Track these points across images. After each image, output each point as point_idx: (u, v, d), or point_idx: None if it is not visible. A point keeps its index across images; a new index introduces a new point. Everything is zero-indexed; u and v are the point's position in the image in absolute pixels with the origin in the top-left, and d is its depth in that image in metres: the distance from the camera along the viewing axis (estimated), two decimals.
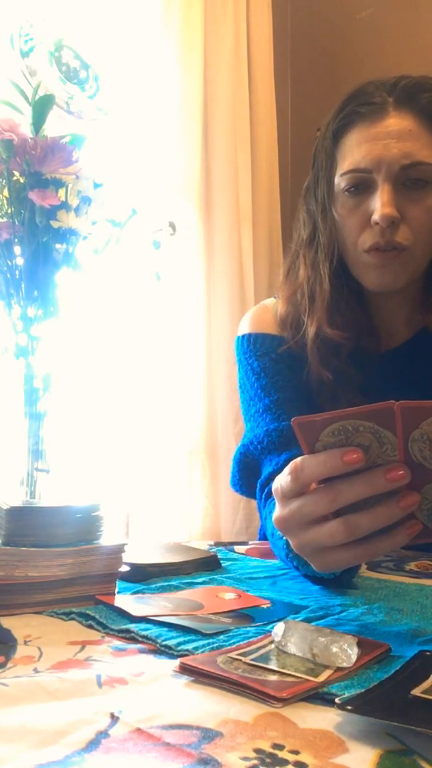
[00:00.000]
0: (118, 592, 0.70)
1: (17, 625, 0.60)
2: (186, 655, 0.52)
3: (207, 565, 0.85)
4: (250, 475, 0.99)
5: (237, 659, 0.50)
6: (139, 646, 0.56)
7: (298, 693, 0.45)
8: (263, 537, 1.09)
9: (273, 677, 0.47)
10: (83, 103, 1.74)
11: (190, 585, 0.75)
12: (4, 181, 0.75)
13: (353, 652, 0.50)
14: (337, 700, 0.43)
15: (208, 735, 0.40)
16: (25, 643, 0.56)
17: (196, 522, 2.00)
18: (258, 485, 0.96)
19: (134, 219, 0.81)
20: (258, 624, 0.62)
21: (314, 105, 1.95)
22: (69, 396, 0.83)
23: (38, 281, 0.75)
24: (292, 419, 0.54)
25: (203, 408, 2.03)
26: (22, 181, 0.75)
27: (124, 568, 0.72)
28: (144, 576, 0.77)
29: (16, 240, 0.75)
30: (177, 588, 0.74)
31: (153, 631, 0.58)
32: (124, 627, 0.59)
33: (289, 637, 0.52)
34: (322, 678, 0.47)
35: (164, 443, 1.94)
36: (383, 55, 2.14)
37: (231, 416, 2.01)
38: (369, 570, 0.85)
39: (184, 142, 2.00)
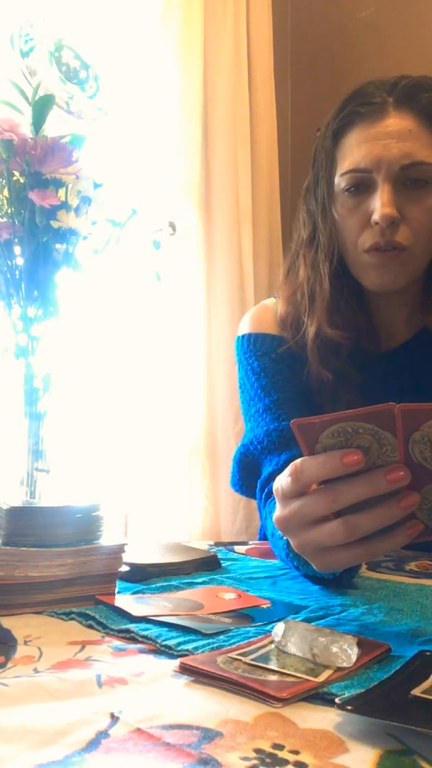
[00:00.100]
0: (118, 592, 0.70)
1: (17, 625, 0.60)
2: (186, 655, 0.52)
3: (207, 565, 0.85)
4: (250, 475, 0.99)
5: (237, 659, 0.50)
6: (139, 646, 0.56)
7: (298, 693, 0.45)
8: (263, 537, 1.09)
9: (273, 677, 0.47)
10: (83, 103, 1.74)
11: (190, 585, 0.75)
12: (4, 181, 0.75)
13: (353, 652, 0.50)
14: (337, 700, 0.43)
15: (208, 735, 0.40)
16: (25, 643, 0.56)
17: (196, 522, 2.00)
18: (258, 485, 0.96)
19: (134, 219, 0.81)
20: (258, 624, 0.62)
21: (314, 105, 1.96)
22: (69, 396, 0.83)
23: (38, 281, 0.75)
24: (291, 421, 0.54)
25: (203, 408, 2.03)
26: (22, 181, 0.75)
27: (124, 568, 0.72)
28: (144, 576, 0.77)
29: (16, 240, 0.75)
30: (177, 588, 0.74)
31: (153, 631, 0.58)
32: (124, 627, 0.59)
33: (289, 637, 0.52)
34: (322, 678, 0.47)
35: (164, 443, 1.94)
36: (383, 55, 2.14)
37: (231, 416, 2.01)
38: (369, 570, 0.85)
39: (184, 142, 2.00)
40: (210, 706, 0.44)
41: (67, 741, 0.39)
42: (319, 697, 0.46)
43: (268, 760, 0.38)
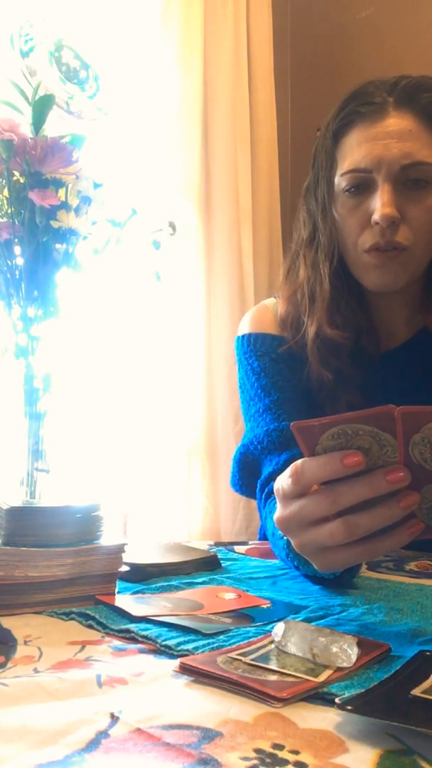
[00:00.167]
0: (118, 592, 0.70)
1: (17, 625, 0.60)
2: (186, 655, 0.52)
3: (207, 565, 0.85)
4: (250, 475, 0.99)
5: (237, 659, 0.50)
6: (139, 646, 0.56)
7: (298, 693, 0.45)
8: (263, 537, 1.09)
9: (273, 677, 0.47)
10: (83, 103, 1.74)
11: (190, 585, 0.75)
12: (4, 181, 0.75)
13: (353, 652, 0.50)
14: (337, 700, 0.43)
15: (208, 735, 0.40)
16: (25, 643, 0.56)
17: (196, 522, 2.00)
18: (258, 485, 0.96)
19: (134, 219, 0.81)
20: (258, 624, 0.62)
21: (314, 105, 1.95)
22: (69, 396, 0.83)
23: (38, 281, 0.75)
24: (291, 424, 0.54)
25: (203, 408, 2.03)
26: (22, 181, 0.75)
27: (124, 568, 0.72)
28: (144, 576, 0.77)
29: (16, 240, 0.75)
30: (177, 588, 0.74)
31: (153, 631, 0.58)
32: (124, 627, 0.59)
33: (289, 637, 0.52)
34: (322, 678, 0.47)
35: (164, 443, 1.94)
36: (383, 55, 2.14)
37: (231, 416, 2.01)
38: (369, 570, 0.85)
39: (184, 142, 2.00)
40: (210, 706, 0.44)
41: (67, 741, 0.39)
42: (319, 697, 0.46)
43: (268, 760, 0.38)
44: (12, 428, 0.76)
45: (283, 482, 0.58)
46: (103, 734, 0.40)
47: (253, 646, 0.53)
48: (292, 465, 0.57)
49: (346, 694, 0.44)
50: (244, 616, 0.64)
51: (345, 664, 0.49)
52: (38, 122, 0.77)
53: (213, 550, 0.95)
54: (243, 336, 1.08)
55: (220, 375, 2.05)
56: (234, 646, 0.54)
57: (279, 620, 0.55)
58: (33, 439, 0.76)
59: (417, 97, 0.91)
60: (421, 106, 0.91)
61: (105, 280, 0.81)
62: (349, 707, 0.42)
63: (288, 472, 0.57)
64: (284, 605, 0.69)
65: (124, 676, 0.49)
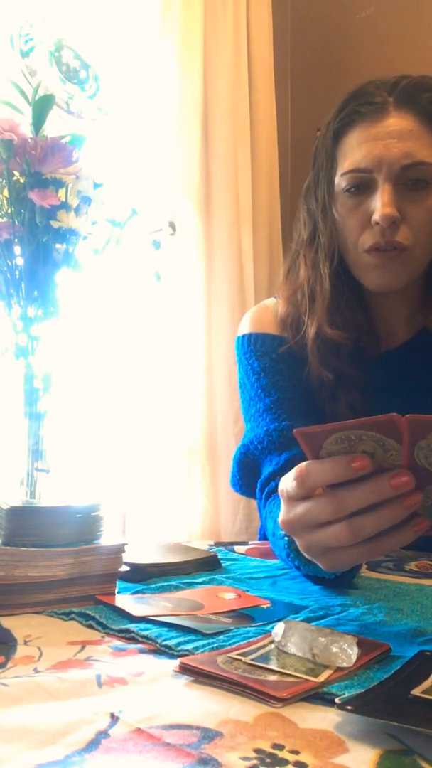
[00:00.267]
0: (118, 592, 0.70)
1: (17, 625, 0.60)
2: (186, 655, 0.52)
3: (207, 565, 0.85)
4: (250, 475, 0.99)
5: (237, 659, 0.50)
6: (139, 646, 0.56)
7: (298, 693, 0.45)
8: (263, 537, 1.09)
9: (273, 677, 0.47)
10: (83, 103, 1.74)
11: (190, 585, 0.75)
12: (4, 181, 0.75)
13: (353, 652, 0.50)
14: (337, 700, 0.43)
15: (208, 735, 0.40)
16: (25, 643, 0.56)
17: (196, 522, 2.00)
18: (258, 485, 0.96)
19: (134, 219, 0.81)
20: (258, 624, 0.62)
21: (314, 105, 1.95)
22: (69, 396, 0.83)
23: (38, 281, 0.75)
24: (294, 430, 0.54)
25: (203, 408, 2.03)
26: (22, 181, 0.75)
27: (124, 568, 0.72)
28: (144, 576, 0.77)
29: (16, 240, 0.75)
30: (177, 588, 0.74)
31: (153, 631, 0.58)
32: (124, 627, 0.59)
33: (289, 637, 0.52)
34: (322, 678, 0.47)
35: (163, 443, 1.94)
36: (383, 55, 2.13)
37: (231, 416, 2.01)
38: (369, 570, 0.85)
39: (184, 142, 2.00)
40: (210, 706, 0.44)
41: (67, 741, 0.39)
42: (319, 697, 0.46)
43: (268, 760, 0.38)
44: (12, 428, 0.76)
45: (287, 484, 0.58)
46: (103, 734, 0.40)
47: (253, 646, 0.53)
48: (297, 467, 0.57)
49: (346, 694, 0.44)
50: (244, 616, 0.64)
51: (345, 664, 0.49)
52: (38, 122, 0.77)
53: (213, 550, 0.95)
54: (243, 336, 1.08)
55: (220, 375, 2.05)
56: (234, 646, 0.54)
57: (279, 620, 0.55)
58: (33, 439, 0.76)
59: (417, 97, 0.91)
60: (422, 106, 0.91)
61: (105, 280, 0.81)
62: (349, 707, 0.42)
63: (293, 474, 0.57)
64: (284, 605, 0.69)
65: (124, 676, 0.49)
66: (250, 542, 1.09)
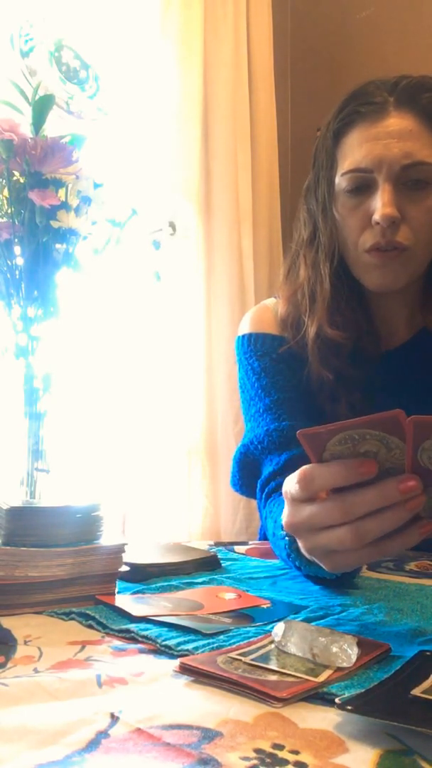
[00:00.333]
0: (118, 592, 0.70)
1: (17, 625, 0.60)
2: (186, 655, 0.52)
3: (207, 565, 0.85)
4: (250, 475, 0.99)
5: (237, 659, 0.50)
6: (139, 646, 0.56)
7: (298, 693, 0.45)
8: (263, 537, 1.09)
9: (273, 677, 0.47)
10: (83, 103, 1.74)
11: (190, 585, 0.75)
12: (4, 181, 0.75)
13: (353, 652, 0.50)
14: (337, 700, 0.43)
15: (208, 735, 0.40)
16: (25, 643, 0.56)
17: (196, 522, 1.99)
18: (258, 485, 0.96)
19: (134, 219, 0.81)
20: (258, 624, 0.62)
21: (314, 105, 1.96)
22: (69, 396, 0.83)
23: (38, 281, 0.75)
24: (298, 432, 0.54)
25: (203, 408, 2.03)
26: (22, 181, 0.75)
27: (124, 568, 0.72)
28: (144, 576, 0.77)
29: (16, 240, 0.75)
30: (177, 588, 0.74)
31: (153, 631, 0.58)
32: (124, 627, 0.59)
33: (289, 637, 0.52)
34: (322, 678, 0.47)
35: (163, 443, 1.94)
36: (383, 55, 2.13)
37: (231, 416, 2.01)
38: (369, 570, 0.85)
39: (184, 142, 2.00)
40: (210, 706, 0.44)
41: (67, 741, 0.39)
42: (319, 697, 0.46)
43: (268, 760, 0.38)
44: (12, 428, 0.76)
45: (291, 487, 0.58)
46: (103, 734, 0.40)
47: (253, 646, 0.53)
48: (301, 470, 0.56)
49: (346, 694, 0.44)
50: (244, 616, 0.64)
51: (345, 664, 0.49)
52: (38, 122, 0.77)
53: (213, 550, 0.95)
54: (243, 336, 1.08)
55: (220, 375, 2.05)
56: (234, 646, 0.54)
57: (279, 620, 0.55)
58: (33, 439, 0.76)
59: (418, 97, 0.91)
60: (422, 106, 0.91)
61: (105, 280, 0.81)
62: (349, 707, 0.42)
63: (296, 477, 0.57)
64: (284, 605, 0.69)
65: (124, 676, 0.49)
66: (250, 542, 1.09)
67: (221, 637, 0.57)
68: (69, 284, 0.77)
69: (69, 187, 0.75)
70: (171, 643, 0.55)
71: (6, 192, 0.75)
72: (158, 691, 0.47)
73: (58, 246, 0.75)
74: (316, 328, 0.97)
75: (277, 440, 0.94)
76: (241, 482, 1.02)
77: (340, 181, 0.94)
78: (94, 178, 0.77)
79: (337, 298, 0.97)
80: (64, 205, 0.74)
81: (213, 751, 0.38)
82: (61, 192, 0.75)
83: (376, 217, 0.89)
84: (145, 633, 0.58)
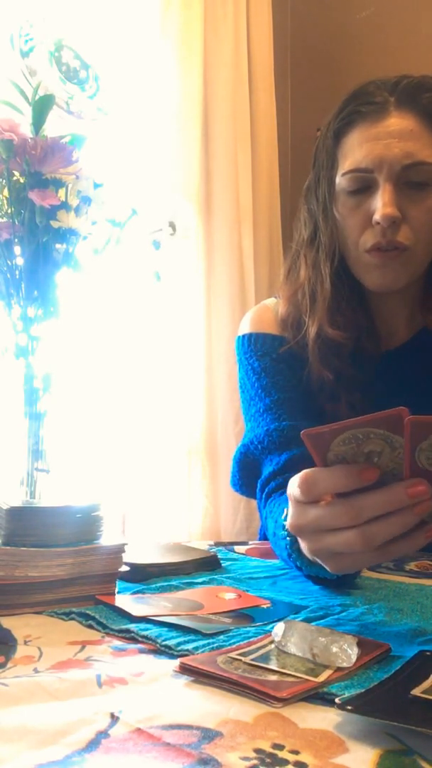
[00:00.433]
0: (118, 592, 0.70)
1: (17, 625, 0.60)
2: (186, 655, 0.52)
3: (207, 565, 0.85)
4: (250, 475, 0.99)
5: (237, 659, 0.50)
6: (139, 646, 0.56)
7: (298, 693, 0.45)
8: (263, 537, 1.09)
9: (273, 677, 0.47)
10: (83, 103, 1.74)
11: (190, 585, 0.75)
12: (4, 181, 0.75)
13: (353, 652, 0.50)
14: (337, 700, 0.43)
15: (208, 735, 0.40)
16: (25, 643, 0.56)
17: (196, 522, 1.99)
18: (258, 485, 0.96)
19: (134, 219, 0.81)
20: (258, 624, 0.62)
21: (314, 105, 1.95)
22: (69, 396, 0.83)
23: (38, 281, 0.75)
24: (302, 432, 0.54)
25: (203, 408, 2.03)
26: (22, 181, 0.75)
27: (124, 568, 0.72)
28: (144, 576, 0.77)
29: (16, 240, 0.75)
30: (177, 588, 0.74)
31: (153, 631, 0.58)
32: (124, 627, 0.59)
33: (289, 637, 0.52)
34: (322, 678, 0.47)
35: (163, 443, 1.94)
36: (383, 55, 2.13)
37: (231, 416, 2.01)
38: (369, 570, 0.85)
39: (184, 142, 2.00)
40: (210, 706, 0.44)
41: (67, 741, 0.39)
42: (319, 697, 0.46)
43: (268, 760, 0.38)
44: (12, 428, 0.76)
45: (294, 491, 0.58)
46: (103, 734, 0.40)
47: (253, 646, 0.53)
48: (303, 474, 0.56)
49: (346, 694, 0.44)
50: (244, 616, 0.64)
51: (345, 664, 0.49)
52: (38, 122, 0.77)
53: (213, 550, 0.95)
54: (243, 336, 1.08)
55: (220, 375, 2.05)
56: (234, 646, 0.54)
57: (279, 620, 0.55)
58: (33, 439, 0.76)
59: (418, 97, 0.91)
60: (423, 106, 0.91)
61: (105, 280, 0.81)
62: (349, 707, 0.42)
63: (298, 480, 0.56)
64: (284, 605, 0.69)
65: (124, 676, 0.49)
66: (250, 542, 1.09)
67: (221, 637, 0.57)
68: (69, 284, 0.77)
69: (69, 187, 0.75)
70: (171, 643, 0.55)
71: (6, 192, 0.75)
72: (158, 691, 0.47)
73: (58, 246, 0.75)
74: (316, 328, 0.97)
75: (277, 440, 0.94)
76: (241, 482, 1.02)
77: (341, 181, 0.94)
78: (94, 178, 0.76)
79: (338, 298, 0.97)
80: (64, 205, 0.74)
81: (213, 751, 0.38)
82: (61, 192, 0.75)
83: (377, 217, 0.89)
84: (145, 633, 0.58)
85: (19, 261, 0.76)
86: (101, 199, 0.77)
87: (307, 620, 0.61)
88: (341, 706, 0.42)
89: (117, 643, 0.57)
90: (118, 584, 0.71)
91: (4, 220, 0.76)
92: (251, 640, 0.55)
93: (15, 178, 0.75)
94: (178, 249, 1.95)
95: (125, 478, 1.88)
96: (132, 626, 0.59)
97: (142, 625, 0.60)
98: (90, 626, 0.61)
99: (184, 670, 0.49)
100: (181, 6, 2.00)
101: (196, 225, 2.04)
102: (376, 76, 0.96)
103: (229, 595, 0.71)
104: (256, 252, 2.13)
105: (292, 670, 0.48)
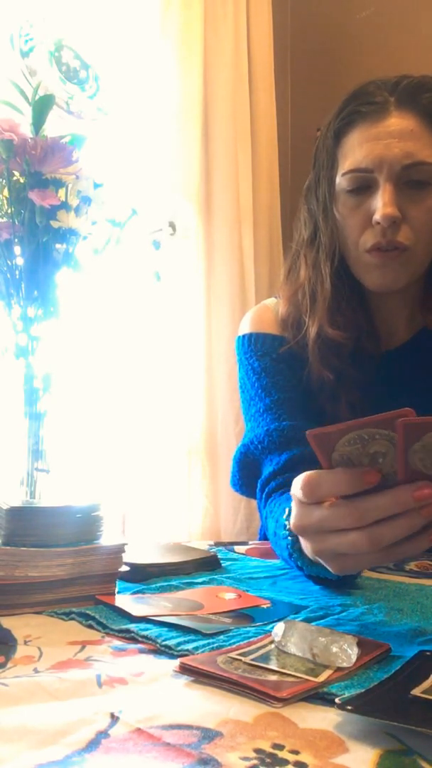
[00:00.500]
0: (118, 592, 0.70)
1: (17, 625, 0.60)
2: (186, 655, 0.52)
3: (207, 565, 0.85)
4: (250, 475, 0.99)
5: (237, 659, 0.50)
6: (139, 646, 0.56)
7: (298, 693, 0.45)
8: (263, 537, 1.09)
9: (273, 677, 0.47)
10: (83, 103, 1.74)
11: (190, 585, 0.75)
12: (4, 181, 0.75)
13: (353, 652, 0.50)
14: (337, 700, 0.43)
15: (208, 735, 0.40)
16: (25, 643, 0.56)
17: (196, 522, 1.99)
18: (258, 485, 0.96)
19: (134, 219, 0.81)
20: (258, 624, 0.62)
21: (314, 105, 1.95)
22: (69, 396, 0.83)
23: (38, 281, 0.75)
24: (307, 432, 0.54)
25: (203, 408, 2.03)
26: (22, 181, 0.75)
27: (124, 568, 0.72)
28: (144, 576, 0.77)
29: (16, 240, 0.75)
30: (177, 588, 0.74)
31: (153, 631, 0.58)
32: (124, 627, 0.59)
33: (289, 637, 0.52)
34: (322, 678, 0.47)
35: (163, 443, 1.94)
36: (383, 55, 2.13)
37: (231, 416, 2.01)
38: (369, 570, 0.85)
39: (184, 142, 2.00)
40: (210, 706, 0.44)
41: (67, 741, 0.39)
42: (319, 697, 0.46)
43: (268, 760, 0.38)
44: (12, 428, 0.76)
45: (297, 491, 0.58)
46: (103, 734, 0.40)
47: (253, 646, 0.53)
48: (306, 476, 0.56)
49: (346, 694, 0.44)
50: (244, 616, 0.64)
51: (345, 664, 0.49)
52: (38, 122, 0.77)
53: (213, 550, 0.95)
54: (244, 336, 1.08)
55: (220, 375, 2.05)
56: (234, 646, 0.54)
57: (279, 620, 0.55)
58: (33, 439, 0.76)
59: (418, 97, 0.91)
60: (423, 106, 0.91)
61: (105, 280, 0.81)
62: (349, 707, 0.42)
63: (300, 482, 0.56)
64: (284, 605, 0.69)
65: (124, 676, 0.49)
66: (250, 542, 1.09)
67: (221, 637, 0.57)
68: (69, 284, 0.77)
69: (69, 187, 0.75)
70: (171, 643, 0.55)
71: (6, 192, 0.75)
72: (158, 691, 0.47)
73: (58, 246, 0.75)
74: (316, 328, 0.97)
75: (277, 440, 0.94)
76: (241, 482, 1.02)
77: (341, 181, 0.94)
78: (94, 178, 0.76)
79: (338, 298, 0.97)
80: (64, 205, 0.74)
81: (213, 751, 0.38)
82: (61, 192, 0.75)
83: (377, 216, 0.89)
84: (145, 633, 0.58)
85: (19, 261, 0.76)
86: (101, 199, 0.77)
87: (307, 620, 0.61)
88: (341, 706, 0.42)
89: (117, 643, 0.57)
90: (118, 584, 0.71)
91: (4, 220, 0.76)
92: (251, 640, 0.55)
93: (15, 178, 0.75)
94: (178, 249, 1.95)
95: (125, 478, 1.88)
96: (132, 626, 0.59)
97: (142, 625, 0.60)
98: (90, 626, 0.61)
99: (184, 670, 0.49)
100: (181, 6, 2.00)
101: (196, 225, 2.04)
102: (376, 76, 0.96)
103: (229, 595, 0.71)
104: (256, 252, 2.13)
105: (292, 670, 0.48)
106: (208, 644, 0.55)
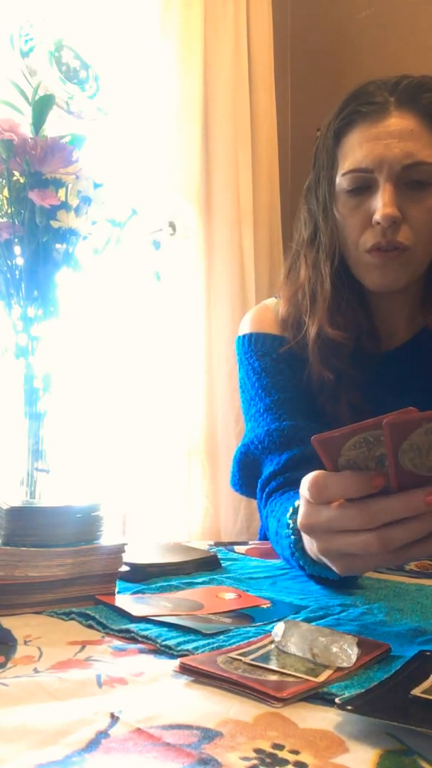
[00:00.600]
0: (118, 592, 0.70)
1: (17, 625, 0.60)
2: (186, 655, 0.52)
3: (207, 565, 0.85)
4: (250, 475, 0.99)
5: (237, 659, 0.50)
6: (139, 646, 0.56)
7: (298, 693, 0.45)
8: (263, 537, 1.09)
9: (273, 677, 0.47)
10: (83, 103, 1.74)
11: (190, 585, 0.75)
12: (4, 181, 0.75)
13: (353, 652, 0.50)
14: (337, 700, 0.43)
15: (208, 735, 0.40)
16: (25, 643, 0.56)
17: (196, 522, 2.00)
18: (258, 485, 0.96)
19: (134, 219, 0.81)
20: (258, 624, 0.62)
21: (314, 105, 1.96)
22: (69, 396, 0.83)
23: (38, 281, 0.76)
24: (312, 438, 0.53)
25: (203, 408, 2.03)
26: (22, 181, 0.75)
27: (124, 568, 0.72)
28: (144, 576, 0.77)
29: (16, 240, 0.75)
30: (177, 588, 0.74)
31: (153, 631, 0.58)
32: (124, 627, 0.59)
33: (289, 637, 0.52)
34: (322, 678, 0.47)
35: (163, 443, 1.94)
36: (383, 55, 2.14)
37: (231, 416, 2.01)
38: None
39: (184, 142, 2.00)
40: (210, 706, 0.44)
41: (67, 741, 0.39)
42: (319, 697, 0.46)
43: (268, 760, 0.38)
44: (12, 428, 0.76)
45: (304, 491, 0.57)
46: (103, 734, 0.40)
47: (253, 646, 0.53)
48: (313, 477, 0.55)
49: (346, 694, 0.44)
50: (244, 616, 0.64)
51: (345, 664, 0.49)
52: (38, 122, 0.77)
53: (213, 550, 0.95)
54: (244, 336, 1.08)
55: (220, 375, 2.05)
56: (234, 646, 0.54)
57: (279, 620, 0.55)
58: (33, 439, 0.76)
59: (418, 97, 0.91)
60: (423, 106, 0.91)
61: (105, 280, 0.81)
62: (349, 707, 0.42)
63: (308, 482, 0.56)
64: (284, 605, 0.69)
65: (124, 676, 0.49)
66: (250, 542, 1.09)
67: (221, 637, 0.57)
68: (69, 284, 0.77)
69: (69, 187, 0.75)
70: (171, 643, 0.55)
71: (6, 192, 0.75)
72: (158, 691, 0.47)
73: (58, 246, 0.75)
74: (316, 328, 0.97)
75: (277, 440, 0.94)
76: (242, 482, 1.02)
77: (341, 181, 0.94)
78: (94, 178, 0.77)
79: (338, 298, 0.97)
80: (64, 205, 0.74)
81: (213, 751, 0.38)
82: (61, 192, 0.75)
83: (377, 217, 0.89)
84: (145, 633, 0.57)
85: (19, 261, 0.76)
86: (101, 199, 0.77)
87: (307, 620, 0.61)
88: (341, 706, 0.42)
89: (117, 643, 0.57)
90: (118, 584, 0.71)
91: (4, 220, 0.76)
92: (251, 640, 0.55)
93: (15, 178, 0.75)
94: (178, 249, 1.95)
95: (125, 478, 1.88)
96: (132, 626, 0.59)
97: (142, 625, 0.60)
98: (90, 626, 0.61)
99: (184, 670, 0.49)
100: (181, 6, 2.00)
101: (196, 225, 2.04)
102: (376, 76, 0.96)
103: (229, 595, 0.71)
104: (256, 252, 2.13)
105: (292, 670, 0.48)
106: (208, 644, 0.55)
